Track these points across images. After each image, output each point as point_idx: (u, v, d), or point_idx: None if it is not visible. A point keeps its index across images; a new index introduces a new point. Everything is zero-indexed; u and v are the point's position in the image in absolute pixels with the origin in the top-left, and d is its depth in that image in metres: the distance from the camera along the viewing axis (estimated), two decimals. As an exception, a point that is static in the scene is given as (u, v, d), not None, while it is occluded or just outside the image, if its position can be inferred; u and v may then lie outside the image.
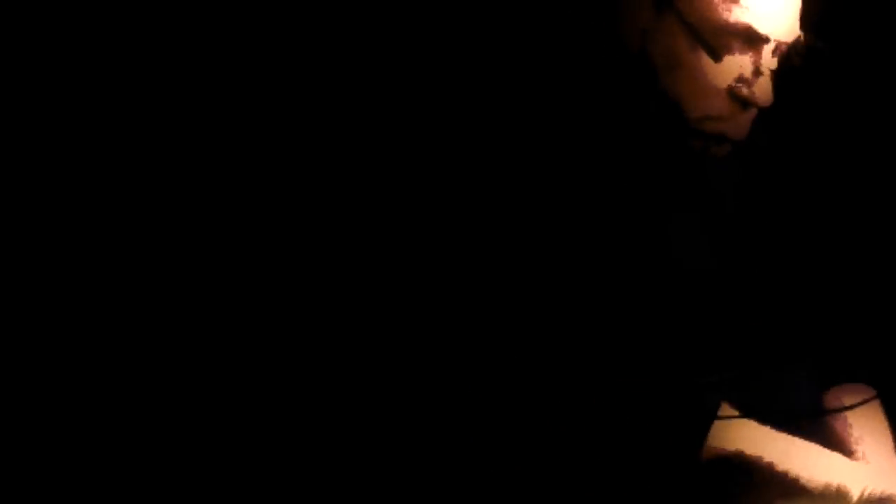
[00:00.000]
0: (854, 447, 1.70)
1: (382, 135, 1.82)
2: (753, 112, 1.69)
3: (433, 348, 1.62)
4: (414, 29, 1.92)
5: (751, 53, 1.66)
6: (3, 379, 1.87)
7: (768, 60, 1.67)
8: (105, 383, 1.89)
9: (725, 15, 1.64)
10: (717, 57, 1.65)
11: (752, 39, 1.65)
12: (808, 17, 1.69)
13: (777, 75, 1.68)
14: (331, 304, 1.80)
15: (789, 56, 1.69)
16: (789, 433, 1.62)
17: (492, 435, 1.59)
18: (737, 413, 1.58)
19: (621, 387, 1.59)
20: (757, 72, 1.67)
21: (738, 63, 1.66)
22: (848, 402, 1.72)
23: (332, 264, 1.82)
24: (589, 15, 1.73)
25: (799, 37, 1.68)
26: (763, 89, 1.67)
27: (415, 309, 1.65)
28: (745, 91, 1.67)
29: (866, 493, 1.60)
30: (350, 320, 1.74)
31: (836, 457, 1.63)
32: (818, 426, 1.71)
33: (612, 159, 1.69)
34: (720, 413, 1.58)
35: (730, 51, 1.66)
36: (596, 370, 1.59)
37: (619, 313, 1.63)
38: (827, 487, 1.59)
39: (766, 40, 1.65)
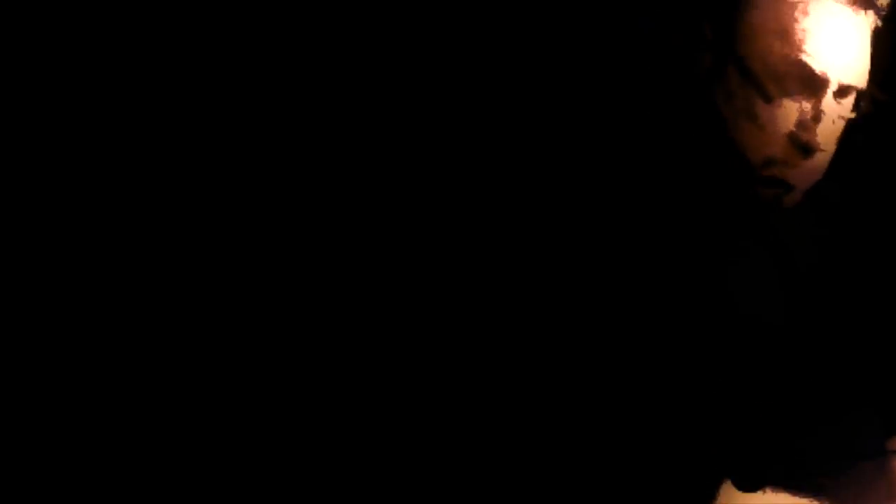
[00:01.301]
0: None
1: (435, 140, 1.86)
2: (818, 160, 1.68)
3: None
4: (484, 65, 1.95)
5: (811, 99, 1.65)
6: (3, 379, 1.88)
7: (830, 107, 1.65)
8: (105, 383, 1.90)
9: (785, 61, 1.63)
10: (776, 102, 1.65)
11: (812, 85, 1.64)
12: (881, 70, 1.67)
13: (844, 125, 1.67)
14: (331, 304, 1.84)
15: (857, 106, 1.68)
16: (811, 497, 1.62)
17: (516, 466, 1.64)
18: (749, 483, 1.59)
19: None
20: (817, 118, 1.65)
21: (797, 109, 1.65)
22: (912, 446, 1.71)
23: (333, 264, 1.86)
24: (652, 62, 1.75)
25: (867, 87, 1.66)
26: (824, 136, 1.65)
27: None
28: (804, 136, 1.65)
29: None
30: (355, 320, 1.79)
31: None
32: (882, 469, 1.71)
33: (677, 201, 1.71)
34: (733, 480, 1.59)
35: (789, 96, 1.65)
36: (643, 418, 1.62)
37: (673, 356, 1.66)
38: None
39: (827, 87, 1.64)
